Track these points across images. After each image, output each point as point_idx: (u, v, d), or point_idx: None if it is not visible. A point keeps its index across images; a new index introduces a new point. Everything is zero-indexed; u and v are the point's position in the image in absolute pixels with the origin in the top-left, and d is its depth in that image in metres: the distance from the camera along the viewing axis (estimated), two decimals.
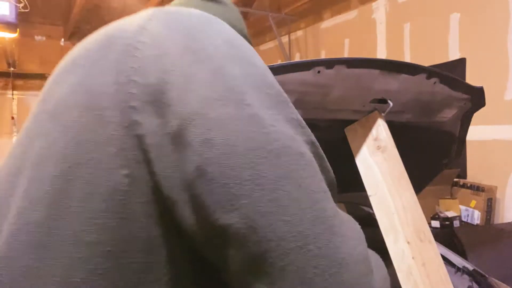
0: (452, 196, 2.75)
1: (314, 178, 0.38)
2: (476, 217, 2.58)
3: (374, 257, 0.45)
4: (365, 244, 0.40)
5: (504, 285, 1.31)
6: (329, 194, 0.40)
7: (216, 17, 0.46)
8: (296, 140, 0.39)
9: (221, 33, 0.43)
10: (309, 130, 0.42)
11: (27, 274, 0.36)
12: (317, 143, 0.42)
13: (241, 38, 0.44)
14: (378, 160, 1.01)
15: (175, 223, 0.38)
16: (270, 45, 5.18)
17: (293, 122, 0.40)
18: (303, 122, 0.42)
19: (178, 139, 0.36)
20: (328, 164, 0.42)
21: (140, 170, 0.37)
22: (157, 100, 0.37)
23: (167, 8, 0.46)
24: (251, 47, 0.44)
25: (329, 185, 0.41)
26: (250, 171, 0.35)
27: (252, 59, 0.42)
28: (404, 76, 0.99)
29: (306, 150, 0.39)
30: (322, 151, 0.42)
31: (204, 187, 0.35)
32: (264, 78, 0.41)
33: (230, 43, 0.42)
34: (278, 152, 0.37)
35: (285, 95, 0.42)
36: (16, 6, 2.74)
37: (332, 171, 0.43)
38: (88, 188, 0.37)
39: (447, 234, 2.32)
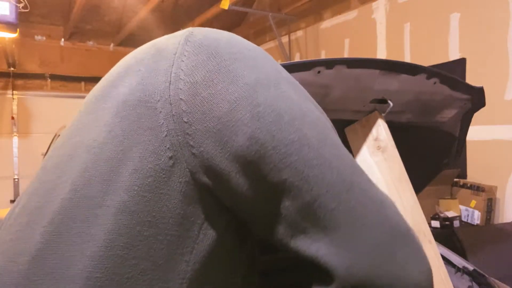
0: (452, 196, 2.75)
1: (343, 145, 0.47)
2: (476, 217, 2.58)
3: None
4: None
5: (504, 285, 1.31)
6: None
7: None
8: (323, 117, 0.48)
9: (250, 44, 0.52)
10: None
11: (79, 238, 0.42)
12: None
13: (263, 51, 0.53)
14: (378, 160, 1.01)
15: (211, 202, 0.45)
16: (270, 45, 5.18)
17: (318, 107, 0.49)
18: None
19: (227, 119, 0.43)
20: None
21: (183, 153, 0.44)
22: (203, 93, 0.44)
23: (200, 27, 0.55)
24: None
25: None
26: (296, 134, 0.43)
27: (276, 64, 0.51)
28: (404, 76, 0.99)
29: (331, 126, 0.48)
30: None
31: (258, 152, 0.42)
32: (287, 74, 0.50)
33: (258, 49, 0.51)
34: (315, 122, 0.45)
35: (304, 89, 0.50)
36: (16, 6, 2.73)
37: None
38: (138, 166, 0.43)
39: (447, 234, 2.32)
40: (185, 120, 0.44)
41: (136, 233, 0.42)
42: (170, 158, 0.44)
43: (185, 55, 0.47)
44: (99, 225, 0.42)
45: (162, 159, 0.44)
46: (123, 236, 0.42)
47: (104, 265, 0.41)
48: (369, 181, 0.44)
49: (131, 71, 0.51)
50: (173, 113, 0.44)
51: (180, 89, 0.45)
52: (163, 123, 0.44)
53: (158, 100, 0.45)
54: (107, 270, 0.41)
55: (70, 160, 0.47)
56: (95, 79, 5.21)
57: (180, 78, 0.45)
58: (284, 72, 0.50)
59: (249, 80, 0.45)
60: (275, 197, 0.43)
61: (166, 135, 0.44)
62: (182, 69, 0.46)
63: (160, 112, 0.45)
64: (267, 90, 0.45)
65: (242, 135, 0.42)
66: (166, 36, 0.54)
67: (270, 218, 0.44)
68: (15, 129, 4.96)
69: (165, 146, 0.44)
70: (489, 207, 2.58)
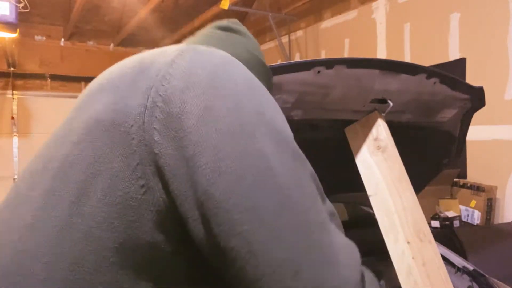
0: (452, 196, 2.75)
1: (313, 210, 0.42)
2: (476, 217, 2.58)
3: (369, 278, 0.47)
4: (359, 271, 0.43)
5: (504, 285, 1.31)
6: (327, 224, 0.43)
7: (235, 58, 0.51)
8: (298, 174, 0.44)
9: (240, 75, 0.47)
10: (309, 165, 0.47)
11: (44, 258, 0.42)
12: (316, 176, 0.47)
13: (257, 80, 0.49)
14: (378, 160, 1.01)
15: (182, 233, 0.43)
16: (270, 45, 5.18)
17: (298, 157, 0.45)
18: (305, 158, 0.46)
19: (191, 163, 0.41)
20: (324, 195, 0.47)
21: (155, 183, 0.42)
22: (177, 127, 0.42)
23: (196, 46, 0.51)
24: (265, 89, 0.49)
25: (330, 214, 0.45)
26: (252, 202, 0.40)
27: (264, 102, 0.47)
28: (404, 76, 0.99)
29: (308, 183, 0.44)
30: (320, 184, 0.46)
31: (210, 210, 0.40)
32: (273, 119, 0.45)
33: (247, 85, 0.47)
34: (281, 186, 0.41)
35: (290, 134, 0.47)
36: (16, 6, 2.73)
37: (329, 201, 0.46)
38: (106, 192, 0.42)
39: (447, 234, 2.32)
40: (156, 151, 0.42)
41: (102, 258, 0.41)
42: (142, 186, 0.42)
43: (166, 79, 0.44)
44: (65, 248, 0.42)
45: (133, 188, 0.42)
46: (89, 262, 0.41)
47: None
48: (326, 257, 0.40)
49: (111, 86, 0.49)
50: (146, 142, 0.42)
51: (156, 117, 0.43)
52: (135, 150, 0.42)
53: (132, 125, 0.43)
54: None
55: (43, 173, 0.47)
56: None
57: (157, 105, 0.43)
58: (270, 110, 0.46)
59: (222, 125, 0.42)
60: (225, 261, 0.41)
61: (138, 164, 0.42)
62: (160, 95, 0.43)
63: (133, 138, 0.43)
64: (237, 142, 0.41)
65: (201, 185, 0.40)
66: (156, 51, 0.51)
67: (223, 272, 0.43)
68: (15, 129, 4.96)
69: (137, 175, 0.42)
70: (489, 207, 2.58)
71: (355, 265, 0.43)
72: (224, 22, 0.64)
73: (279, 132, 0.45)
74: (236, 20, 0.65)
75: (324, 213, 0.44)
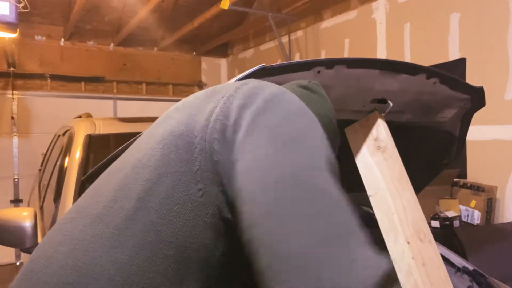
0: (452, 196, 2.75)
1: (334, 215, 0.44)
2: (476, 217, 2.58)
3: None
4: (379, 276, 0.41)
5: (504, 285, 1.31)
6: (351, 229, 0.44)
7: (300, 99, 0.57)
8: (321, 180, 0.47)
9: (295, 102, 0.54)
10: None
11: (109, 242, 0.47)
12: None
13: (310, 113, 0.54)
14: (378, 160, 1.01)
15: (234, 237, 0.48)
16: (270, 45, 5.18)
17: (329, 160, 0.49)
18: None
19: (234, 168, 0.47)
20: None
21: (212, 188, 0.48)
22: (230, 137, 0.49)
23: (261, 80, 0.60)
24: (316, 123, 0.54)
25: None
26: (271, 198, 0.44)
27: (309, 128, 0.52)
28: (404, 76, 0.99)
29: (330, 184, 0.47)
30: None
31: (239, 206, 0.46)
32: (309, 143, 0.50)
33: (298, 113, 0.53)
34: (300, 187, 0.45)
35: (323, 163, 0.49)
36: (16, 6, 2.73)
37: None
38: (170, 192, 0.48)
39: (447, 234, 2.32)
40: (215, 159, 0.48)
41: (158, 250, 0.46)
42: (200, 190, 0.48)
43: (229, 99, 0.52)
44: (128, 236, 0.47)
45: (192, 191, 0.48)
46: (146, 250, 0.46)
47: (126, 272, 0.45)
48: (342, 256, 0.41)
49: (185, 106, 0.57)
50: (206, 150, 0.49)
51: (216, 128, 0.50)
52: (196, 157, 0.49)
53: (196, 136, 0.50)
54: (127, 277, 0.45)
55: (118, 173, 0.54)
56: (95, 79, 5.23)
57: (218, 119, 0.50)
58: (311, 137, 0.50)
59: (262, 135, 0.48)
60: (248, 254, 0.45)
61: (198, 169, 0.49)
62: (222, 110, 0.51)
63: (196, 147, 0.49)
64: (265, 150, 0.47)
65: (235, 184, 0.47)
66: (229, 82, 0.59)
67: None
68: (15, 129, 4.95)
69: (196, 179, 0.48)
70: (489, 207, 2.58)
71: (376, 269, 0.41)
72: (305, 82, 0.71)
73: (311, 153, 0.49)
74: (317, 82, 0.72)
75: (348, 221, 0.44)
